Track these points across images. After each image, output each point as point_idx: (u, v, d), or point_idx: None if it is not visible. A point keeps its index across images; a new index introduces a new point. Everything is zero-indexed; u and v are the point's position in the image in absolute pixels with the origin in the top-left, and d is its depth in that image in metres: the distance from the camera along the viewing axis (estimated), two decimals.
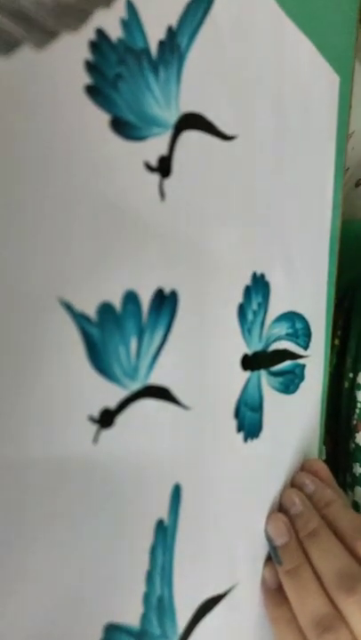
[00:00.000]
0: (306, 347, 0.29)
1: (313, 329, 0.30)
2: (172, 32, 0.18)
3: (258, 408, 0.25)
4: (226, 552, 0.23)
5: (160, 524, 0.19)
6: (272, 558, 0.26)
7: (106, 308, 0.16)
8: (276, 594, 0.26)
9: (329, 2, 0.28)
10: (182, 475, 0.20)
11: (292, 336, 0.28)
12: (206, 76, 0.20)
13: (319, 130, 0.29)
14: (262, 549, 0.26)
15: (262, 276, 0.24)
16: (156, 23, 0.17)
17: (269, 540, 0.26)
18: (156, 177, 0.18)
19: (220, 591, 0.23)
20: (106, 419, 0.16)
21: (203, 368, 0.21)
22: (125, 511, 0.17)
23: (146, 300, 0.18)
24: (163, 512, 0.19)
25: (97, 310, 0.16)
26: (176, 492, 0.20)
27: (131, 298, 0.17)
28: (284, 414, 0.28)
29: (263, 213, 0.24)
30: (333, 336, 0.39)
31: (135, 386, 0.18)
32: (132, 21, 0.16)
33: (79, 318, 0.15)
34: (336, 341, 0.41)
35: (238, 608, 0.24)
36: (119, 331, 0.17)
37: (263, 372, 0.26)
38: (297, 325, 0.28)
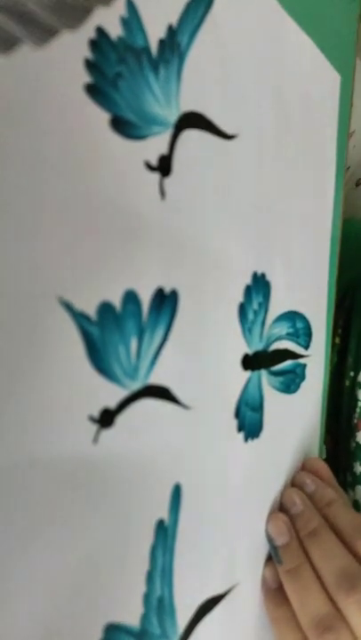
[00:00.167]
0: (307, 346, 0.29)
1: (314, 328, 0.30)
2: (172, 31, 0.18)
3: (258, 408, 0.25)
4: (226, 552, 0.23)
5: (160, 524, 0.19)
6: (272, 558, 0.26)
7: (106, 308, 0.16)
8: (276, 594, 0.26)
9: (330, 0, 0.28)
10: (182, 475, 0.20)
11: (292, 335, 0.28)
12: (207, 74, 0.20)
13: (320, 129, 0.29)
14: (263, 549, 0.26)
15: (263, 275, 0.24)
16: (157, 22, 0.17)
17: (270, 539, 0.26)
18: (156, 176, 0.18)
19: (220, 591, 0.23)
20: (106, 418, 0.16)
21: (203, 368, 0.21)
22: (125, 511, 0.17)
23: (146, 299, 0.18)
24: (163, 512, 0.19)
25: (97, 310, 0.16)
26: (176, 492, 0.20)
27: (131, 297, 0.17)
28: (285, 414, 0.28)
29: (264, 213, 0.24)
30: (334, 335, 0.39)
31: (135, 385, 0.17)
32: (133, 20, 0.16)
33: (79, 318, 0.15)
34: (337, 340, 0.41)
35: (239, 608, 0.24)
36: (119, 330, 0.17)
37: (264, 372, 0.25)
38: (298, 325, 0.28)
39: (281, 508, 0.27)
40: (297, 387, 0.29)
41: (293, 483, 0.29)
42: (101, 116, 0.15)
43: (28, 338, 0.14)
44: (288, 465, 0.29)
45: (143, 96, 0.17)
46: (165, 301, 0.18)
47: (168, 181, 0.18)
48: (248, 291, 0.23)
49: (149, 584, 0.19)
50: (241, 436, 0.24)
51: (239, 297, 0.23)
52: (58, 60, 0.14)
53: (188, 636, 0.21)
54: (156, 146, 0.18)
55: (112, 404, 0.17)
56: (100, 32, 0.15)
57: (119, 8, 0.16)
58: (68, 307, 0.15)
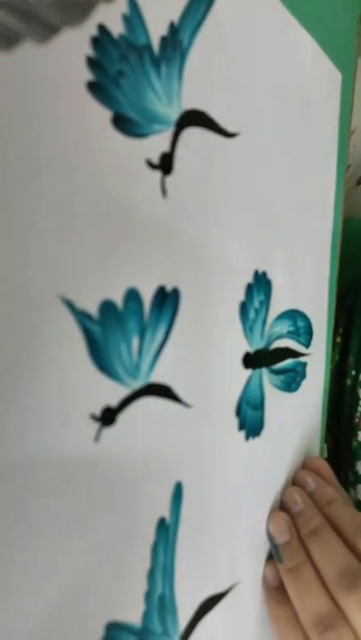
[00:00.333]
0: (307, 345, 0.29)
1: (314, 327, 0.30)
2: (174, 28, 0.18)
3: (259, 406, 0.25)
4: (227, 550, 0.23)
5: (162, 522, 0.19)
6: (273, 556, 0.26)
7: (107, 306, 0.16)
8: (277, 592, 0.26)
9: None
10: (184, 473, 0.20)
11: (293, 334, 0.28)
12: (208, 72, 0.19)
13: (321, 127, 0.29)
14: (264, 548, 0.26)
15: (264, 274, 0.24)
16: (158, 19, 0.17)
17: (271, 538, 0.26)
18: (157, 174, 0.18)
19: (221, 589, 0.23)
20: (107, 417, 0.16)
21: (204, 366, 0.21)
22: (127, 509, 0.17)
23: (148, 297, 0.18)
24: (164, 510, 0.19)
25: (99, 308, 0.16)
26: (178, 491, 0.20)
27: (132, 295, 0.17)
28: (286, 412, 0.28)
29: (265, 211, 0.24)
30: (335, 334, 0.39)
31: (137, 384, 0.17)
32: (134, 17, 0.16)
33: (81, 316, 0.15)
34: (338, 339, 0.41)
35: (239, 606, 0.24)
36: (121, 329, 0.17)
37: (265, 370, 0.25)
38: (299, 323, 0.28)
39: (282, 506, 0.27)
40: (298, 385, 0.29)
41: (294, 481, 0.29)
42: (103, 114, 0.15)
43: (29, 336, 0.14)
44: (289, 463, 0.29)
45: (145, 94, 0.17)
46: (167, 300, 0.18)
47: (170, 179, 0.18)
48: (249, 289, 0.23)
49: (151, 582, 0.19)
50: (242, 434, 0.24)
51: (240, 295, 0.23)
52: (59, 57, 0.14)
53: (190, 634, 0.21)
54: (157, 144, 0.17)
55: (114, 402, 0.17)
56: (102, 29, 0.15)
57: (121, 5, 0.16)
58: (70, 305, 0.15)
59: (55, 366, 0.15)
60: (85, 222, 0.15)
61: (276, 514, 0.26)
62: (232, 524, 0.23)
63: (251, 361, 0.24)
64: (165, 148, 0.18)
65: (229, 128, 0.21)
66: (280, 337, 0.27)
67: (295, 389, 0.29)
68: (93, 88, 0.15)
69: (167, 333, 0.19)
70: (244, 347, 0.23)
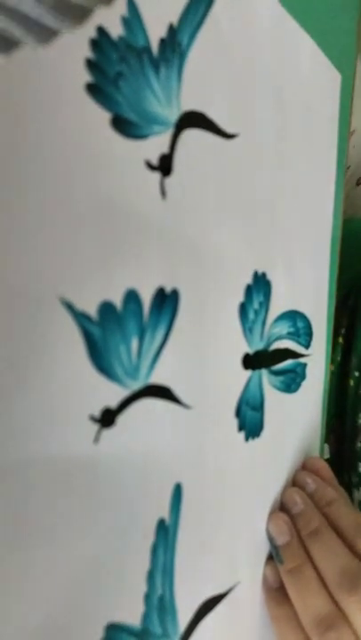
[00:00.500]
0: (307, 345, 0.29)
1: (314, 328, 0.30)
2: (173, 30, 0.18)
3: (259, 407, 0.25)
4: (227, 551, 0.23)
5: (161, 523, 0.19)
6: (274, 557, 0.26)
7: (107, 308, 0.16)
8: (277, 593, 0.26)
9: None
10: (183, 474, 0.20)
11: (293, 335, 0.28)
12: (207, 74, 0.20)
13: (320, 128, 0.29)
14: (264, 548, 0.26)
15: (264, 274, 0.24)
16: (157, 21, 0.17)
17: (271, 539, 0.26)
18: (157, 175, 0.18)
19: (221, 590, 0.23)
20: (107, 418, 0.16)
21: (204, 367, 0.21)
22: (126, 510, 0.17)
23: (147, 299, 0.18)
24: (164, 511, 0.19)
25: (98, 309, 0.16)
26: (177, 492, 0.20)
27: (132, 297, 0.17)
28: (286, 413, 0.28)
29: (264, 212, 0.24)
30: (337, 335, 0.39)
31: (136, 385, 0.17)
32: (133, 19, 0.16)
33: (80, 317, 0.15)
34: (340, 340, 0.41)
35: (239, 607, 0.24)
36: (120, 330, 0.17)
37: (264, 371, 0.25)
38: (298, 324, 0.28)
39: (282, 507, 0.27)
40: (298, 386, 0.29)
41: (294, 482, 0.29)
42: (102, 116, 0.15)
43: (29, 338, 0.14)
44: (289, 464, 0.29)
45: (144, 95, 0.17)
46: (166, 301, 0.18)
47: (169, 181, 0.18)
48: (249, 290, 0.23)
49: (150, 583, 0.19)
50: (242, 435, 0.24)
51: (240, 296, 0.23)
52: (59, 59, 0.14)
53: (190, 636, 0.21)
54: (156, 145, 0.17)
55: (113, 403, 0.17)
56: (101, 31, 0.15)
57: (120, 7, 0.16)
58: (69, 306, 0.15)
59: (54, 367, 0.15)
60: (85, 223, 0.15)
61: (276, 515, 0.26)
62: (232, 525, 0.23)
63: (250, 362, 0.24)
64: (165, 149, 0.18)
65: (229, 129, 0.21)
66: (280, 338, 0.27)
67: (295, 390, 0.29)
68: (93, 90, 0.15)
69: (166, 334, 0.19)
70: (243, 348, 0.23)
